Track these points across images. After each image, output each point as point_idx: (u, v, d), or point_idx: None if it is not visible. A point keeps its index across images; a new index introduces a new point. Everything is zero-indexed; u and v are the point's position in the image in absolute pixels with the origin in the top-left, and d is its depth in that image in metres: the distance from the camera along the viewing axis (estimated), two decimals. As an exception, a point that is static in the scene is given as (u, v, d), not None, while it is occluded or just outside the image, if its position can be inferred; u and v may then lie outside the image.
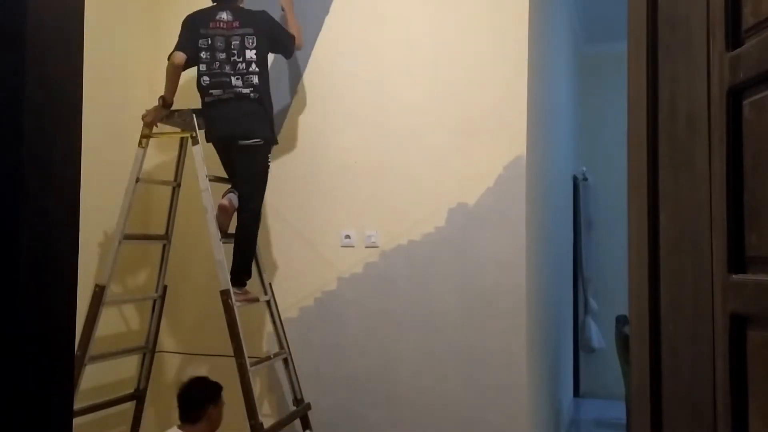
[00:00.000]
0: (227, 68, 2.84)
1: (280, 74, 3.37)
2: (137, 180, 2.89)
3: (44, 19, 0.66)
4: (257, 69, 2.87)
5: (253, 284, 3.24)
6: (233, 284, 2.82)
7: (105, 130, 3.19)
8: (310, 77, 3.33)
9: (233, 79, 2.84)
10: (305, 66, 3.33)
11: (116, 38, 3.28)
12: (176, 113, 2.97)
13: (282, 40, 3.01)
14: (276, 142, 3.05)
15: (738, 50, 0.94)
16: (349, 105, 3.25)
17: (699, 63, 1.04)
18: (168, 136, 3.12)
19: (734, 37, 0.95)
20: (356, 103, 3.23)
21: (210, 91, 2.86)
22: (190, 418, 2.60)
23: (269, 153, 2.98)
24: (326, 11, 3.30)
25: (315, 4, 3.32)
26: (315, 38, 3.32)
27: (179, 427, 2.61)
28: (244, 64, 2.85)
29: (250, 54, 2.86)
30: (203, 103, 2.90)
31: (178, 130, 3.02)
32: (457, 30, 3.11)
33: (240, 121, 2.85)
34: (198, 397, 2.63)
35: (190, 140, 2.94)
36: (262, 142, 2.87)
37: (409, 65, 3.16)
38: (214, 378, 3.30)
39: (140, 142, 2.89)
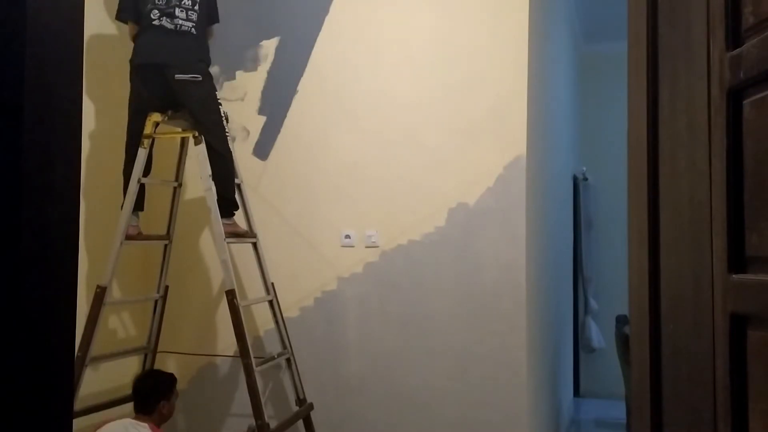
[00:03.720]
0: (174, 1, 2.93)
1: (280, 73, 3.37)
2: (139, 180, 2.89)
3: (44, 19, 0.66)
4: (198, 11, 2.96)
5: (255, 284, 3.25)
6: (221, 215, 2.85)
7: (106, 130, 3.19)
8: (309, 77, 3.33)
9: (177, 10, 2.91)
10: (305, 66, 3.33)
11: (117, 36, 3.27)
12: (178, 113, 2.97)
13: (213, 11, 3.11)
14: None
15: (738, 50, 0.94)
16: (349, 105, 3.25)
17: (699, 63, 1.04)
18: (169, 137, 3.12)
19: (734, 37, 0.95)
20: (356, 102, 3.23)
21: (152, 20, 2.90)
22: (144, 410, 2.67)
23: (215, 90, 3.00)
24: (326, 11, 3.30)
25: (315, 4, 3.32)
26: (315, 38, 3.32)
27: (134, 417, 2.67)
28: (189, 2, 2.94)
29: None
30: (143, 27, 2.91)
31: (179, 130, 3.02)
32: (457, 30, 3.11)
33: (176, 53, 2.90)
34: (152, 391, 2.71)
35: (191, 140, 2.94)
36: (200, 78, 2.89)
37: (409, 65, 3.16)
38: (218, 379, 3.32)
39: (142, 143, 2.89)
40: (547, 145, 3.77)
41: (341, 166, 3.24)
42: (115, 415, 3.14)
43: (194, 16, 2.94)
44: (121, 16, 3.00)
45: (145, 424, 2.56)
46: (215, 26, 3.13)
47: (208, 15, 3.05)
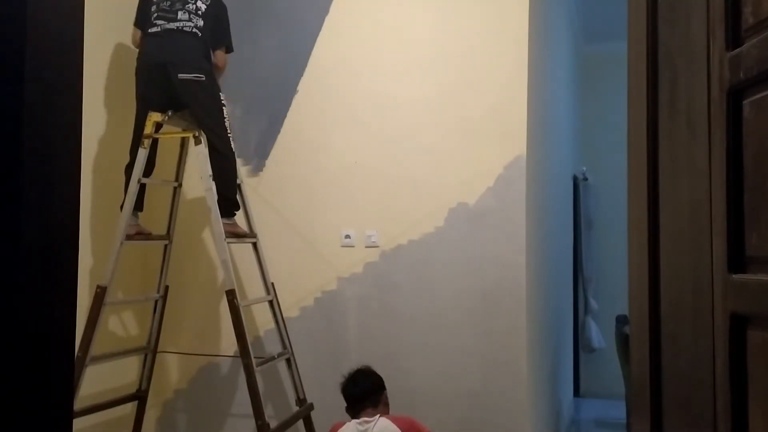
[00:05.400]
0: (177, 5, 2.93)
1: (280, 74, 3.37)
2: (139, 180, 2.89)
3: (44, 19, 0.66)
4: (202, 21, 2.94)
5: (255, 284, 3.25)
6: (222, 215, 2.85)
7: (106, 130, 3.19)
8: (310, 77, 3.33)
9: (180, 13, 2.92)
10: (305, 66, 3.33)
11: (120, 37, 3.27)
12: (178, 113, 2.97)
13: (221, 32, 3.06)
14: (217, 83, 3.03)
15: (738, 50, 0.93)
16: (349, 105, 3.25)
17: (699, 63, 1.04)
18: (169, 137, 3.11)
19: (734, 37, 0.95)
20: (356, 102, 3.23)
21: (155, 22, 2.92)
22: (369, 405, 2.55)
23: (219, 90, 2.98)
24: (326, 11, 3.30)
25: (315, 4, 3.32)
26: (315, 38, 3.32)
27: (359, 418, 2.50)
28: (193, 6, 2.94)
29: (201, 4, 2.96)
30: (145, 34, 2.94)
31: (179, 130, 3.02)
32: (457, 30, 3.11)
33: (179, 52, 2.89)
34: (374, 386, 2.61)
35: (191, 140, 2.94)
36: (203, 78, 2.88)
37: (409, 65, 3.16)
38: (218, 379, 3.31)
39: (142, 143, 2.89)
40: (547, 145, 3.77)
41: (341, 166, 3.24)
42: (115, 416, 3.15)
43: (198, 22, 2.94)
44: (135, 22, 3.05)
45: (376, 415, 2.46)
46: (224, 56, 3.07)
47: (215, 23, 3.02)
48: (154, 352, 3.22)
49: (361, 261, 3.18)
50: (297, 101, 3.34)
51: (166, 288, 3.24)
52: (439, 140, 3.10)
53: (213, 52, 3.06)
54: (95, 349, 2.78)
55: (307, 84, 3.33)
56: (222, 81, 3.12)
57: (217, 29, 3.05)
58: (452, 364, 3.03)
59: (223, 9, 3.09)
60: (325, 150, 3.28)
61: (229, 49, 3.11)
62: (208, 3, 2.99)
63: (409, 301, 3.10)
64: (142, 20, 2.99)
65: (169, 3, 2.93)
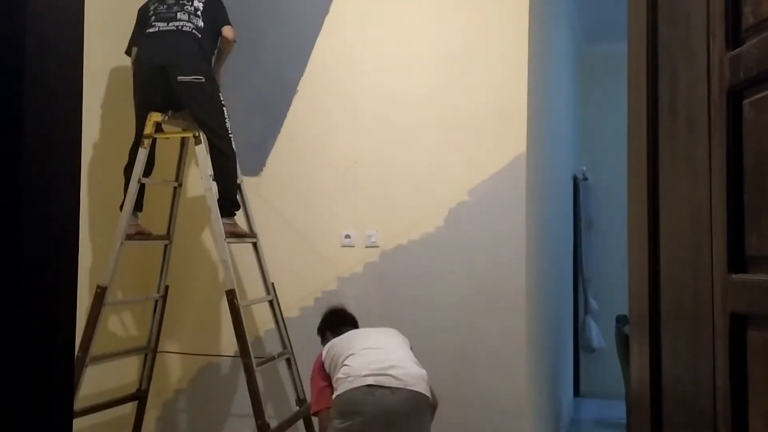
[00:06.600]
0: (175, 7, 2.94)
1: (280, 74, 3.37)
2: (139, 180, 2.89)
3: (44, 19, 0.66)
4: (202, 22, 2.95)
5: (255, 283, 3.25)
6: (222, 215, 2.85)
7: (106, 130, 3.19)
8: (310, 77, 3.33)
9: (179, 14, 2.92)
10: (305, 65, 3.33)
11: (119, 37, 3.27)
12: (178, 113, 2.97)
13: (220, 16, 3.07)
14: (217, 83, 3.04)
15: (738, 50, 0.93)
16: (349, 105, 3.25)
17: (699, 63, 1.04)
18: (169, 137, 3.11)
19: (734, 36, 0.95)
20: (356, 102, 3.23)
21: (154, 23, 2.92)
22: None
23: (219, 90, 2.99)
24: (326, 11, 3.30)
25: (315, 4, 3.32)
26: (315, 38, 3.32)
27: None
28: (192, 7, 2.95)
29: (198, 4, 2.97)
30: (143, 35, 2.94)
31: (180, 130, 3.02)
32: (457, 30, 3.11)
33: (178, 53, 2.89)
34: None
35: (192, 140, 2.94)
36: (203, 80, 2.88)
37: (409, 65, 3.16)
38: (218, 379, 3.28)
39: (142, 143, 2.89)
40: (547, 145, 3.77)
41: (341, 166, 3.24)
42: (115, 416, 3.14)
43: (198, 21, 2.94)
44: (127, 50, 3.05)
45: None
46: (230, 29, 3.05)
47: (214, 20, 3.02)
48: (154, 352, 3.22)
49: (361, 261, 3.18)
50: (297, 101, 3.34)
51: (166, 288, 3.24)
52: (440, 140, 3.10)
53: (219, 31, 3.04)
54: (95, 349, 2.78)
55: (307, 84, 3.33)
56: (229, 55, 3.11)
57: (216, 20, 3.04)
58: (452, 364, 3.03)
59: (219, 1, 3.09)
60: (325, 150, 3.28)
61: (224, 23, 3.08)
62: (204, 1, 2.99)
63: (409, 301, 3.10)
64: (134, 40, 3.01)
65: (166, 6, 2.94)
